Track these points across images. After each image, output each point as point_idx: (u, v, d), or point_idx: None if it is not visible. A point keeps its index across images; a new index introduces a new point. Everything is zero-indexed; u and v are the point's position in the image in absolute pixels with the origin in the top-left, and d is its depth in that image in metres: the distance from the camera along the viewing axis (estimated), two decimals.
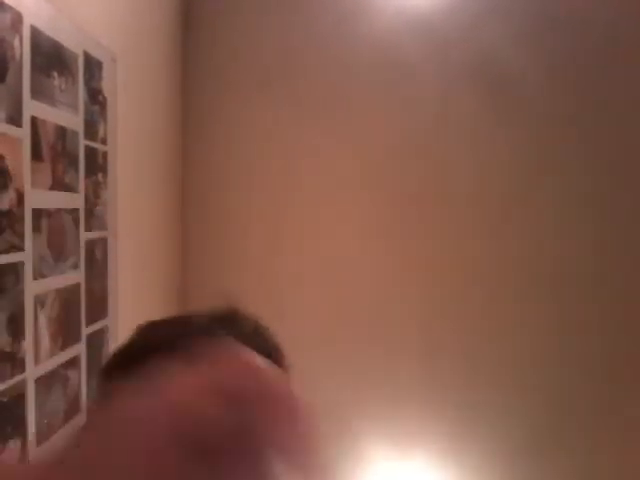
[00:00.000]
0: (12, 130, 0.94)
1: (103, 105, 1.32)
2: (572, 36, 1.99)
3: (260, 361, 0.35)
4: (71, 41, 1.15)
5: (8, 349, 0.92)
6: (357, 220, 2.07)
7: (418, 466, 2.02)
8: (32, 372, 1.00)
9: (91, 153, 1.25)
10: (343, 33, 2.03)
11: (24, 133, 0.98)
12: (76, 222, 1.19)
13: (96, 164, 1.29)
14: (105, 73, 1.33)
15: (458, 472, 2.03)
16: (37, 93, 1.02)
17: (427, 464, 2.02)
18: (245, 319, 0.59)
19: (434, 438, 2.02)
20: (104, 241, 1.34)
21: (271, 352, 0.58)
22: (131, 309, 1.52)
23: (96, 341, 1.29)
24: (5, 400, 0.92)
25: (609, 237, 2.02)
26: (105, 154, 1.34)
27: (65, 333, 1.13)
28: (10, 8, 0.93)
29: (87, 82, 1.23)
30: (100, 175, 1.31)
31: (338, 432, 1.95)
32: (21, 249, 0.97)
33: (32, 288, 1.00)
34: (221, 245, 2.11)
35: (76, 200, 1.19)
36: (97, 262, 1.30)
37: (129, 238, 1.51)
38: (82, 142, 1.21)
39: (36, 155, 1.02)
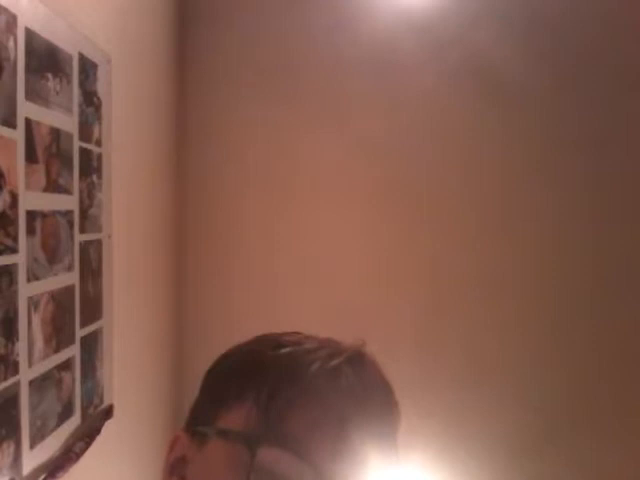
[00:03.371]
0: (6, 132, 0.94)
1: (98, 107, 1.32)
2: (572, 35, 2.00)
3: None
4: (66, 42, 1.15)
5: (2, 351, 0.92)
6: (356, 220, 2.07)
7: (414, 466, 2.01)
8: (26, 374, 1.00)
9: (85, 155, 1.25)
10: (342, 33, 2.03)
11: (18, 135, 0.98)
12: (70, 224, 1.18)
13: (91, 166, 1.29)
14: (100, 74, 1.33)
15: (455, 473, 2.03)
16: (31, 95, 1.02)
17: (423, 464, 2.02)
18: (372, 369, 0.57)
19: (430, 438, 2.02)
20: (99, 243, 1.34)
21: (390, 410, 0.57)
22: (126, 311, 1.52)
23: (90, 343, 1.29)
24: None
25: (609, 238, 2.03)
26: (100, 156, 1.33)
27: (59, 335, 1.13)
28: (4, 10, 0.93)
29: (82, 84, 1.23)
30: (95, 177, 1.31)
31: None
32: (15, 251, 0.96)
33: (26, 290, 1.00)
34: (218, 246, 2.10)
35: (70, 202, 1.19)
36: (92, 264, 1.30)
37: (124, 240, 1.50)
38: (77, 144, 1.21)
39: (30, 157, 1.01)
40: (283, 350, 0.55)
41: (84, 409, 1.25)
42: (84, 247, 1.25)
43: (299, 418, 0.51)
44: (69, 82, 1.17)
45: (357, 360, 0.56)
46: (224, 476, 0.51)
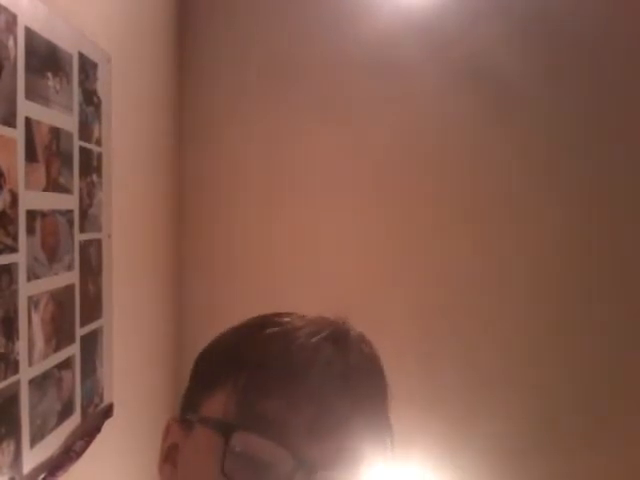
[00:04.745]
0: (6, 131, 0.94)
1: (98, 106, 1.32)
2: (573, 35, 2.00)
3: None
4: (66, 42, 1.15)
5: (2, 350, 0.92)
6: (355, 221, 2.08)
7: (415, 467, 2.02)
8: (26, 373, 1.00)
9: (85, 154, 1.25)
10: (342, 32, 2.03)
11: (18, 134, 0.98)
12: (70, 223, 1.19)
13: (91, 165, 1.29)
14: (100, 74, 1.33)
15: (455, 473, 2.03)
16: (31, 94, 1.02)
17: (424, 465, 2.02)
18: (356, 345, 0.55)
19: (431, 439, 2.02)
20: (99, 242, 1.34)
21: (378, 393, 0.55)
22: (126, 310, 1.52)
23: (90, 342, 1.29)
24: None
25: (611, 238, 2.03)
26: (100, 155, 1.34)
27: (59, 334, 1.13)
28: (4, 9, 0.93)
29: (82, 83, 1.23)
30: (95, 176, 1.31)
31: None
32: (15, 250, 0.97)
33: (26, 289, 1.00)
34: (218, 245, 2.11)
35: (70, 201, 1.19)
36: (92, 263, 1.30)
37: (124, 239, 1.51)
38: (76, 143, 1.21)
39: (30, 156, 1.02)
40: (268, 330, 0.54)
41: (84, 408, 1.25)
42: (84, 246, 1.25)
43: (275, 400, 0.50)
44: (69, 81, 1.17)
45: (340, 336, 0.54)
46: (203, 462, 0.52)
